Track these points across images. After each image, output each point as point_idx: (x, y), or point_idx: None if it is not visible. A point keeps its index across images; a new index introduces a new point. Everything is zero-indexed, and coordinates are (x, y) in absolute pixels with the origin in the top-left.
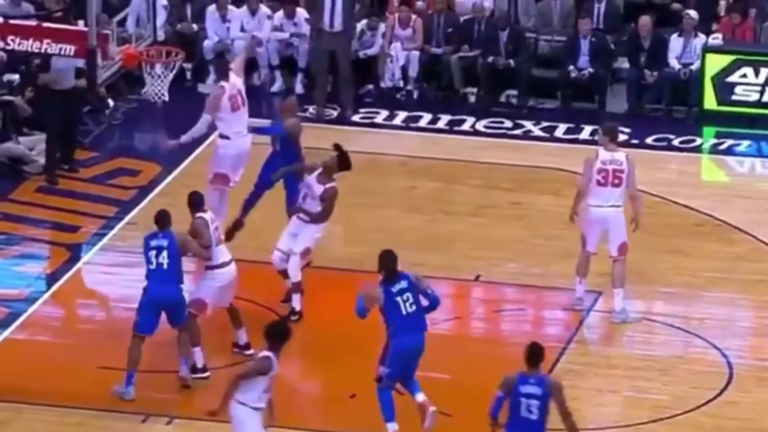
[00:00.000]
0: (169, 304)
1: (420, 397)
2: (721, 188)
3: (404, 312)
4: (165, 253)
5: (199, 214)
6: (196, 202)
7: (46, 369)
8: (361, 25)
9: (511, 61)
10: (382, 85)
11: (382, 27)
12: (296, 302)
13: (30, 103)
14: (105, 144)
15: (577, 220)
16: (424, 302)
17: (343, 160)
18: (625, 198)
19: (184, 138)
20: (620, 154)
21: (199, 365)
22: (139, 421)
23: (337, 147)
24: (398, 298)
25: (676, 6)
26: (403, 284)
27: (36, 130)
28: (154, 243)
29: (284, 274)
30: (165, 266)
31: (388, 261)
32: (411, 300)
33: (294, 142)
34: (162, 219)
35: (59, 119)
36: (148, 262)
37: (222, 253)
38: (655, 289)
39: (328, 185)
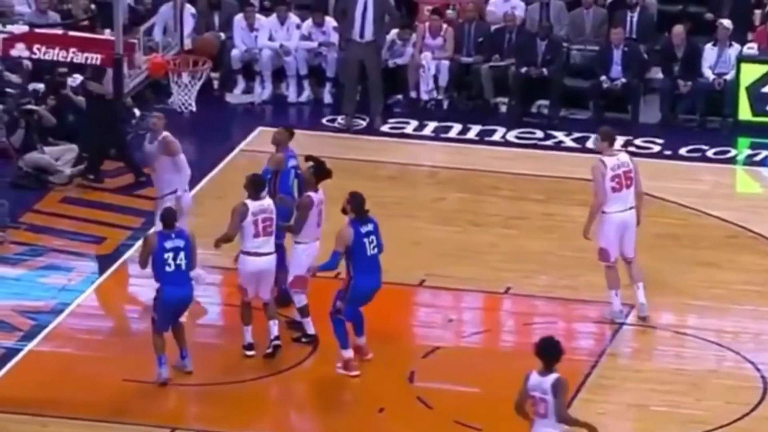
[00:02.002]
0: (186, 303)
1: (361, 340)
2: (755, 200)
3: (369, 253)
4: (182, 254)
5: (246, 201)
6: (251, 185)
7: (71, 381)
8: (392, 35)
9: (545, 70)
10: (416, 96)
11: (413, 37)
12: (307, 326)
13: (53, 112)
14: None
15: (593, 235)
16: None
17: (319, 170)
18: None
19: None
20: (623, 156)
21: (246, 343)
22: None
23: (309, 158)
24: (365, 239)
25: (710, 15)
26: (370, 227)
27: (61, 140)
28: (169, 244)
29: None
30: (183, 267)
31: (357, 201)
32: (374, 243)
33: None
34: (171, 217)
35: (98, 125)
36: (165, 264)
37: (258, 244)
38: (688, 302)
39: (304, 195)
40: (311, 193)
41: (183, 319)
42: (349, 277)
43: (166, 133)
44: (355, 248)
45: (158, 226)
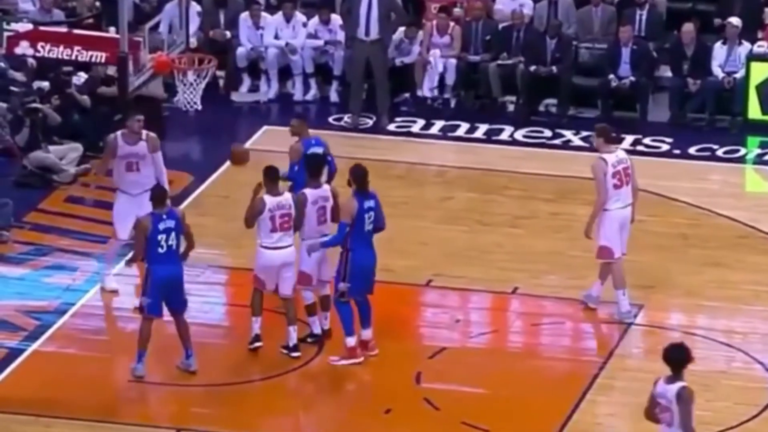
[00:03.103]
0: (176, 283)
1: (367, 334)
2: (765, 199)
3: (366, 229)
4: (174, 234)
5: (265, 196)
6: (266, 179)
7: (75, 382)
8: (399, 33)
9: (553, 68)
10: (420, 94)
11: (419, 35)
12: (313, 326)
13: (57, 111)
14: None
15: (595, 234)
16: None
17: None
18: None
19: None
20: (621, 152)
21: (253, 334)
22: None
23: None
24: (365, 215)
25: (719, 21)
26: (372, 203)
27: (66, 138)
28: (162, 226)
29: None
30: (174, 247)
31: (358, 174)
32: (372, 218)
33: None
34: (162, 196)
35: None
36: (157, 245)
37: (275, 239)
38: (698, 303)
39: (299, 191)
40: (306, 190)
41: (187, 319)
42: (346, 250)
43: (146, 131)
44: (356, 221)
45: (121, 233)
